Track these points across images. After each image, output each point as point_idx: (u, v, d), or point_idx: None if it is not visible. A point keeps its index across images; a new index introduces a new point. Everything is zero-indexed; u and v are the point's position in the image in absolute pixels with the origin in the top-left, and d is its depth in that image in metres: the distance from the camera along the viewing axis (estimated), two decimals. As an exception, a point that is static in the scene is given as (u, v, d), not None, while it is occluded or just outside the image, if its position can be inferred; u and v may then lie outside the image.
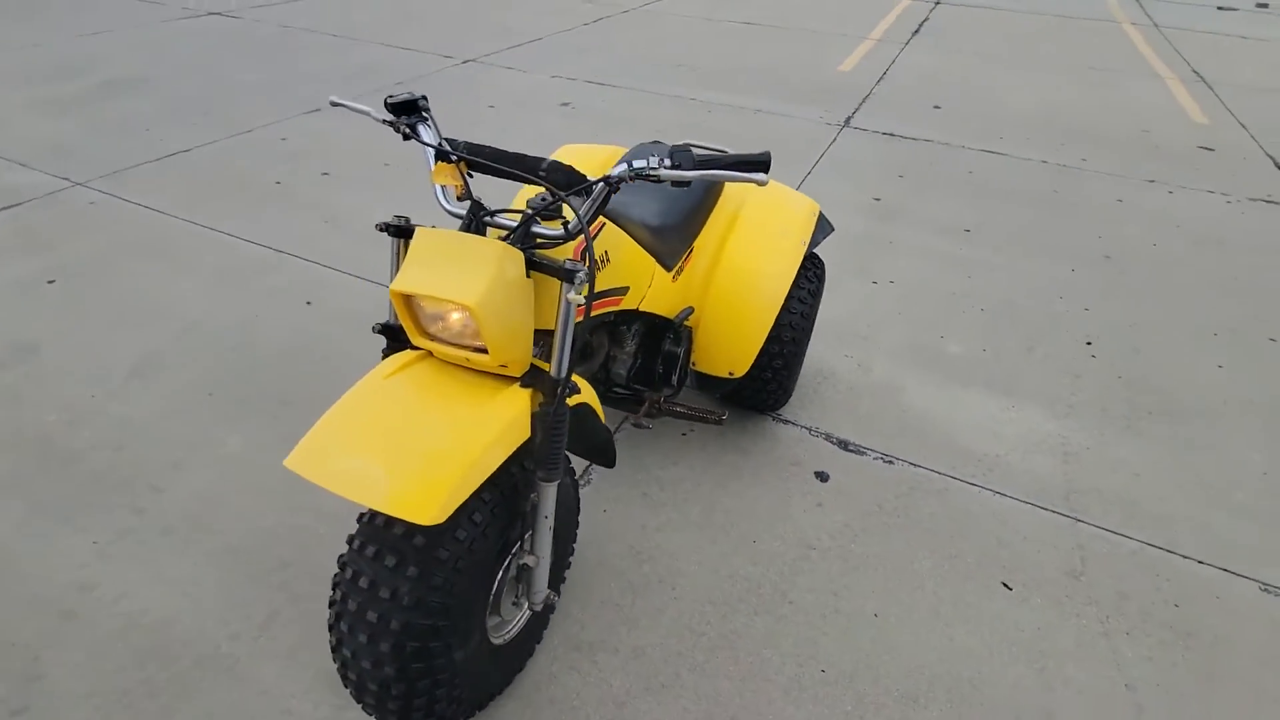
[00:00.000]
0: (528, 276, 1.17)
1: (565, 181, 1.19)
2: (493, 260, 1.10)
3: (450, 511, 1.04)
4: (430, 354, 1.24)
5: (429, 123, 1.29)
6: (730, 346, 1.86)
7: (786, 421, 2.25)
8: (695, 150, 1.32)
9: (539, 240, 1.21)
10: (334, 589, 1.18)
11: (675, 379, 1.78)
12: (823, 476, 2.05)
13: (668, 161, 1.13)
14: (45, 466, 1.97)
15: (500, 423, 1.12)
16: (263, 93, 4.81)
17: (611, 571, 1.75)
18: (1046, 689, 1.55)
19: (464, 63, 5.72)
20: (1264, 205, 3.98)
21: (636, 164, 1.16)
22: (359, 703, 1.24)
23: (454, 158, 1.21)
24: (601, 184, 1.19)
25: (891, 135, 4.64)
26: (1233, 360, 2.67)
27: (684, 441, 2.15)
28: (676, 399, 2.20)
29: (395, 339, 1.30)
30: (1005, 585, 1.77)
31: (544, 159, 1.21)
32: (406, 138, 1.30)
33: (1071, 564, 1.84)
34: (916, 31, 7.41)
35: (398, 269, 1.23)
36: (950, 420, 2.30)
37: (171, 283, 2.78)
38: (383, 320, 2.17)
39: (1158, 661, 1.62)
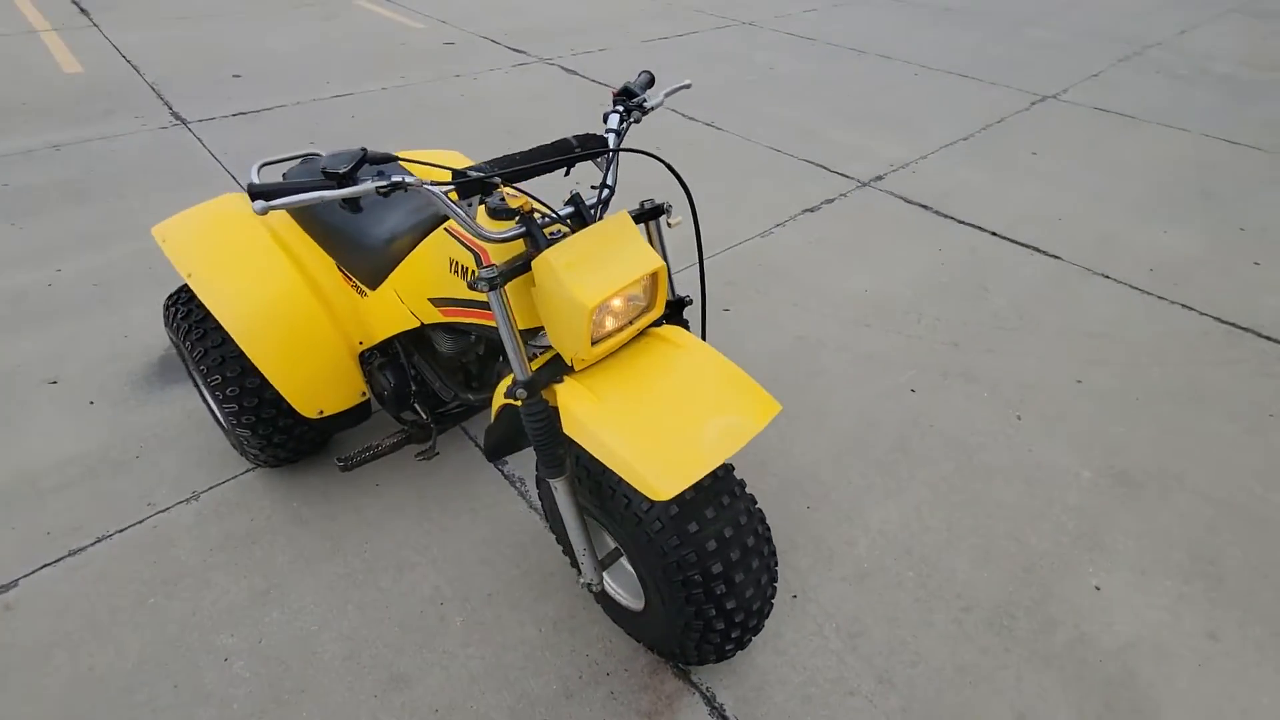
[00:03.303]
0: None
1: (598, 144, 1.27)
2: (630, 227, 1.22)
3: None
4: (572, 367, 1.25)
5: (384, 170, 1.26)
6: None
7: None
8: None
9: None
10: (704, 568, 1.26)
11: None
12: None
13: (649, 95, 1.30)
14: None
15: (705, 345, 1.29)
16: None
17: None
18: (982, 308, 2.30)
19: None
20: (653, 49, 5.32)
21: (624, 108, 1.38)
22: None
23: (497, 179, 1.15)
24: (615, 137, 1.35)
25: (246, 114, 4.19)
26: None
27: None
28: None
29: (534, 392, 1.23)
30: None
31: (562, 140, 1.25)
32: (350, 206, 1.08)
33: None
34: (82, 10, 6.17)
35: (511, 314, 1.20)
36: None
37: None
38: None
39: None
